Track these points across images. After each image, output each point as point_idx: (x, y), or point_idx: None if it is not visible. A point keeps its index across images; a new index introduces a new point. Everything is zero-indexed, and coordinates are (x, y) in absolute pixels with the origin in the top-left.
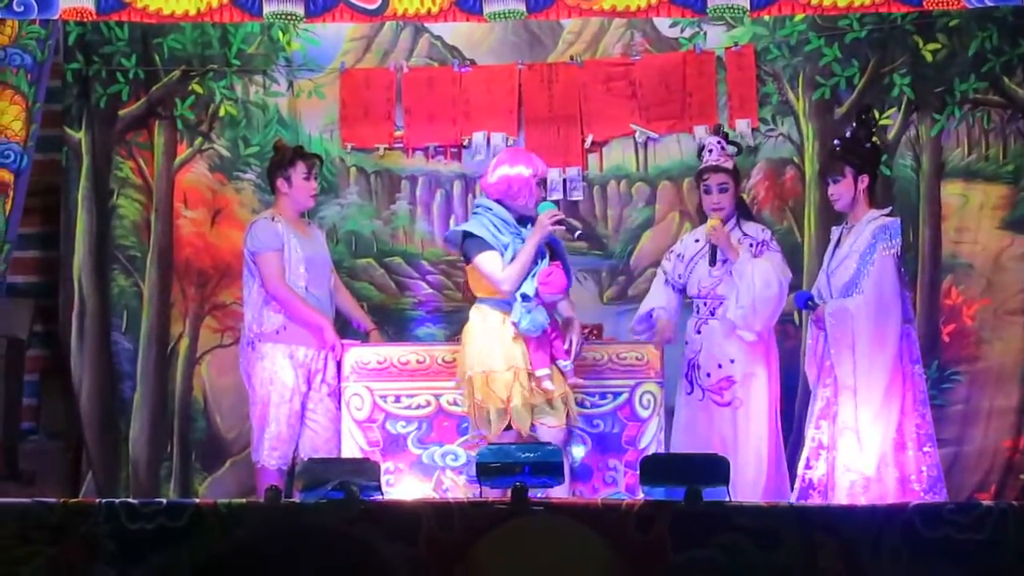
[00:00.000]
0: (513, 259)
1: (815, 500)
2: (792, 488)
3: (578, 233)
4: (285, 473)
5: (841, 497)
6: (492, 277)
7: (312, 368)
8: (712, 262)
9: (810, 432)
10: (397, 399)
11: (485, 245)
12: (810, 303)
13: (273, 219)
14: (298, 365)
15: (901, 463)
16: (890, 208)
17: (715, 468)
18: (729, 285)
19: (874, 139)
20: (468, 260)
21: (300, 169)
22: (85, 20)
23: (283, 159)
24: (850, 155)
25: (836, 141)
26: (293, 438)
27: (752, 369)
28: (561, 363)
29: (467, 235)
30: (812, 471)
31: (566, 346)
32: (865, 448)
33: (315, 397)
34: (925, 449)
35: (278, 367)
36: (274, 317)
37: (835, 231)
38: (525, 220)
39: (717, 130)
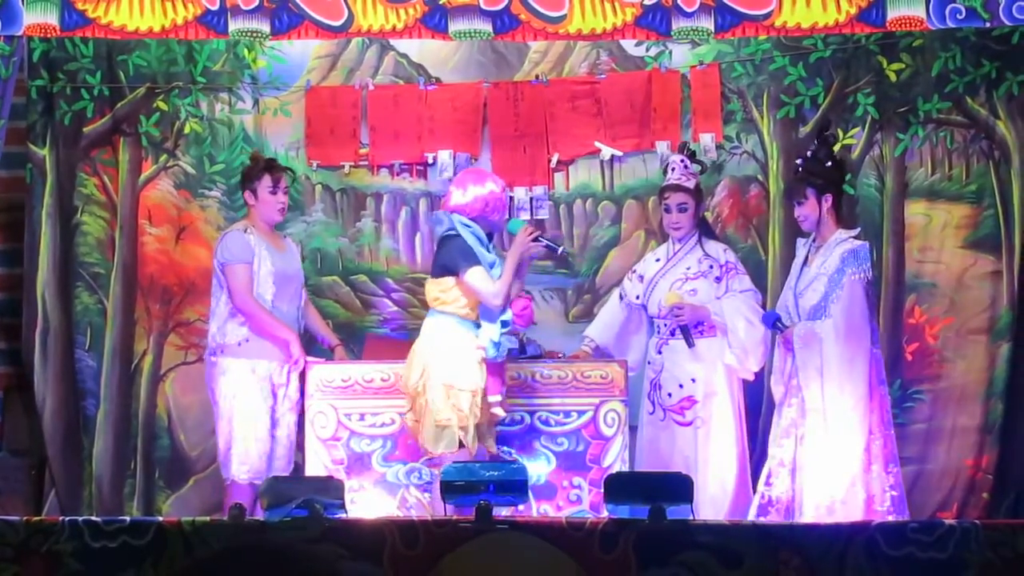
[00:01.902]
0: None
1: (774, 517)
2: (738, 506)
3: (561, 250)
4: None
5: (808, 517)
6: (483, 291)
7: (275, 382)
8: (690, 344)
9: (772, 450)
10: (361, 417)
11: (474, 259)
12: (778, 324)
13: (246, 231)
14: (261, 379)
15: (867, 483)
16: (858, 230)
17: (679, 486)
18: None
19: (836, 157)
20: (455, 273)
21: (266, 182)
22: (50, 36)
23: (252, 171)
24: (811, 176)
25: (799, 161)
26: (264, 453)
27: (714, 388)
28: (493, 398)
29: (460, 247)
30: (772, 488)
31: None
32: (833, 470)
33: (279, 412)
34: (889, 469)
35: (241, 382)
36: (238, 330)
37: (801, 244)
38: (491, 237)
39: (683, 148)
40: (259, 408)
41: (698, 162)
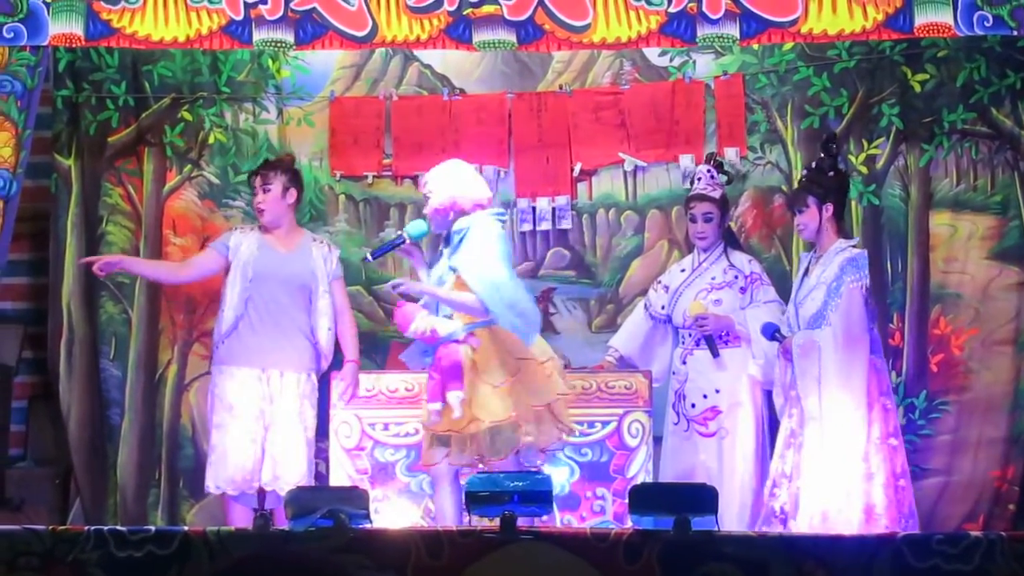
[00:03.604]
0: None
1: (778, 529)
2: (760, 517)
3: (399, 236)
4: (251, 500)
5: (802, 526)
6: None
7: (265, 392)
8: (715, 354)
9: (775, 462)
10: (385, 427)
11: None
12: (777, 334)
13: (249, 230)
14: (243, 386)
15: (867, 493)
16: (858, 239)
17: (703, 498)
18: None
19: (839, 167)
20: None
21: (255, 180)
22: (75, 46)
23: (268, 165)
24: (813, 184)
25: (804, 171)
26: (243, 464)
27: (738, 399)
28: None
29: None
30: (776, 500)
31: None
32: (830, 479)
33: (276, 421)
34: (898, 482)
35: (219, 389)
36: (221, 335)
37: (803, 258)
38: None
39: (710, 158)
40: (238, 417)
41: (725, 173)
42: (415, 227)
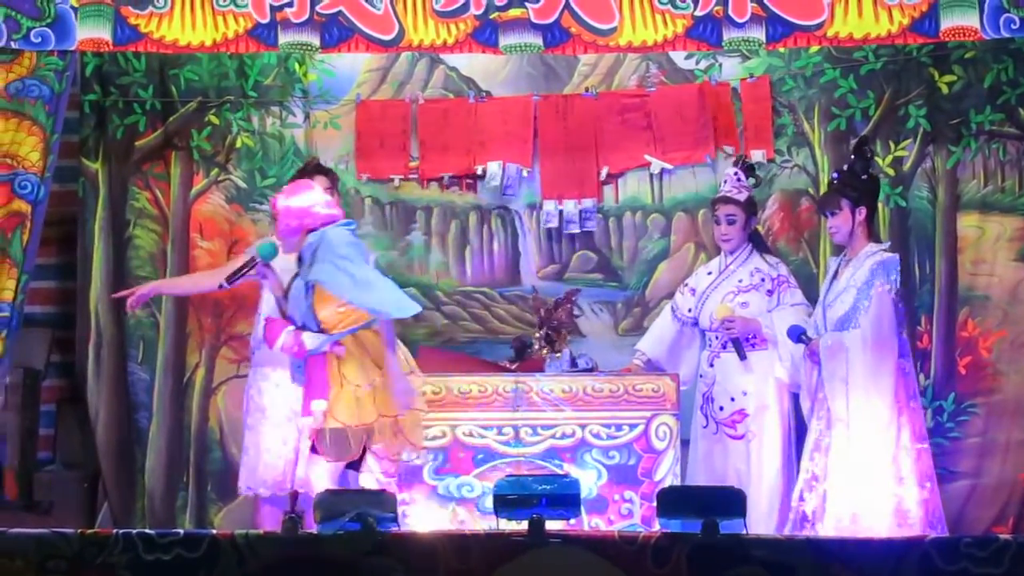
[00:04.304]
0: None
1: (808, 533)
2: (787, 521)
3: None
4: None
5: (829, 529)
6: None
7: (299, 394)
8: (742, 356)
9: (804, 464)
10: None
11: None
12: (803, 337)
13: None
14: (276, 388)
15: (896, 497)
16: (888, 243)
17: (731, 501)
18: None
19: (871, 171)
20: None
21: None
22: (102, 51)
23: (299, 174)
24: (846, 187)
25: (834, 174)
26: (275, 465)
27: (765, 402)
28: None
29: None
30: (805, 504)
31: None
32: (857, 481)
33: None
34: (924, 484)
35: (254, 390)
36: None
37: (832, 263)
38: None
39: (739, 160)
40: (265, 419)
41: (753, 176)
42: (264, 247)
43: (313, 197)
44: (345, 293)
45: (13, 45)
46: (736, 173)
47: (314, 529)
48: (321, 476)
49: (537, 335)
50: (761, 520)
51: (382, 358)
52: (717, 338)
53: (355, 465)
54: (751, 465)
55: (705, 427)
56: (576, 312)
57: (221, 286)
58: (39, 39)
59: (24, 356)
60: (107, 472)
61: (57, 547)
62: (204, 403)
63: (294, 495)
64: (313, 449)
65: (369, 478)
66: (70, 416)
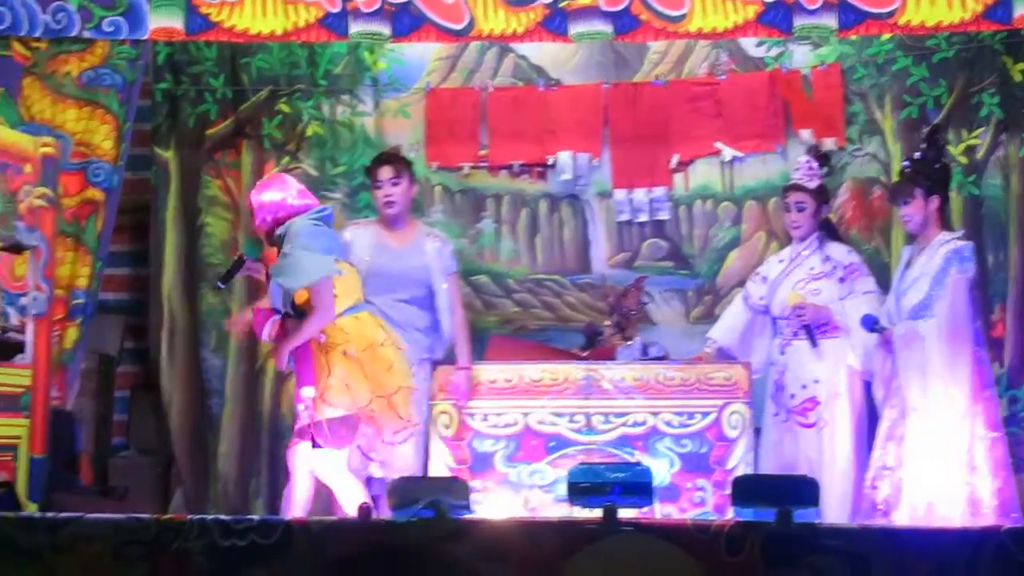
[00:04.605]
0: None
1: (880, 521)
2: (860, 509)
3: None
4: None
5: (903, 518)
6: None
7: None
8: (813, 343)
9: (876, 453)
10: (485, 417)
11: None
12: (876, 326)
13: (364, 224)
14: None
15: (971, 486)
16: (962, 232)
17: (806, 489)
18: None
19: (943, 159)
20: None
21: (375, 177)
22: (174, 40)
23: (378, 162)
24: (919, 176)
25: (905, 162)
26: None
27: (836, 390)
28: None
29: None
30: (877, 492)
31: None
32: (932, 471)
33: None
34: (998, 473)
35: None
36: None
37: (905, 252)
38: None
39: (813, 149)
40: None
41: (827, 164)
42: (248, 244)
43: (285, 190)
44: (293, 283)
45: (86, 34)
46: (808, 161)
47: (388, 516)
48: (328, 467)
49: (607, 323)
50: (832, 508)
51: (376, 339)
52: (788, 326)
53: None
54: (822, 453)
55: (776, 415)
56: (644, 300)
57: (217, 287)
58: (112, 28)
59: (98, 343)
60: (180, 458)
61: (134, 532)
62: (276, 389)
63: (369, 480)
64: (313, 444)
65: (439, 465)
66: (144, 402)
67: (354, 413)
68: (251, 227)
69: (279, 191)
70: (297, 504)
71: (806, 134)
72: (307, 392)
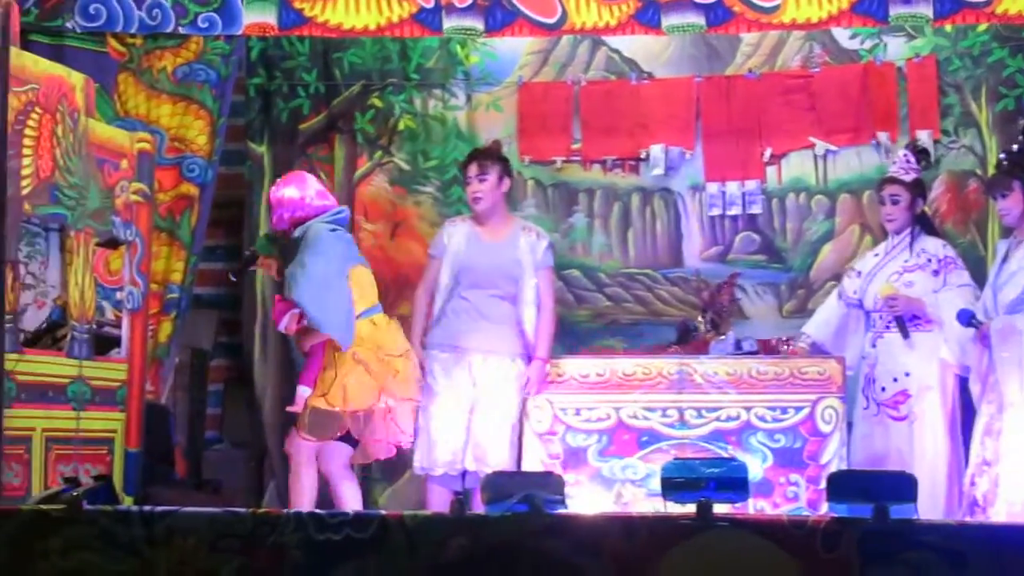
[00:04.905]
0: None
1: (980, 518)
2: (957, 505)
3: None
4: (452, 481)
5: (1000, 514)
6: None
7: (468, 376)
8: (905, 335)
9: (974, 449)
10: (577, 412)
11: None
12: (973, 321)
13: (460, 221)
14: (446, 370)
15: None
16: None
17: (903, 485)
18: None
19: None
20: None
21: (465, 171)
22: (267, 35)
23: (475, 156)
24: (1017, 169)
25: (1002, 155)
26: (447, 445)
27: (928, 383)
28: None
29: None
30: (976, 488)
31: None
32: None
33: (479, 405)
34: None
35: (427, 373)
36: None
37: (1002, 245)
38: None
39: (912, 144)
40: (440, 400)
41: (926, 160)
42: (260, 241)
43: (305, 189)
44: (299, 294)
45: (181, 30)
46: (906, 155)
47: (482, 510)
48: (301, 451)
49: (700, 319)
50: (922, 502)
51: (395, 343)
52: (881, 318)
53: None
54: (913, 446)
55: (866, 408)
56: (738, 296)
57: (231, 280)
58: (206, 24)
59: (192, 337)
60: (274, 451)
61: (230, 526)
62: None
63: (464, 474)
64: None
65: (532, 459)
66: (237, 396)
67: (343, 413)
68: (272, 222)
69: (298, 189)
70: (303, 495)
71: (883, 136)
72: (303, 391)
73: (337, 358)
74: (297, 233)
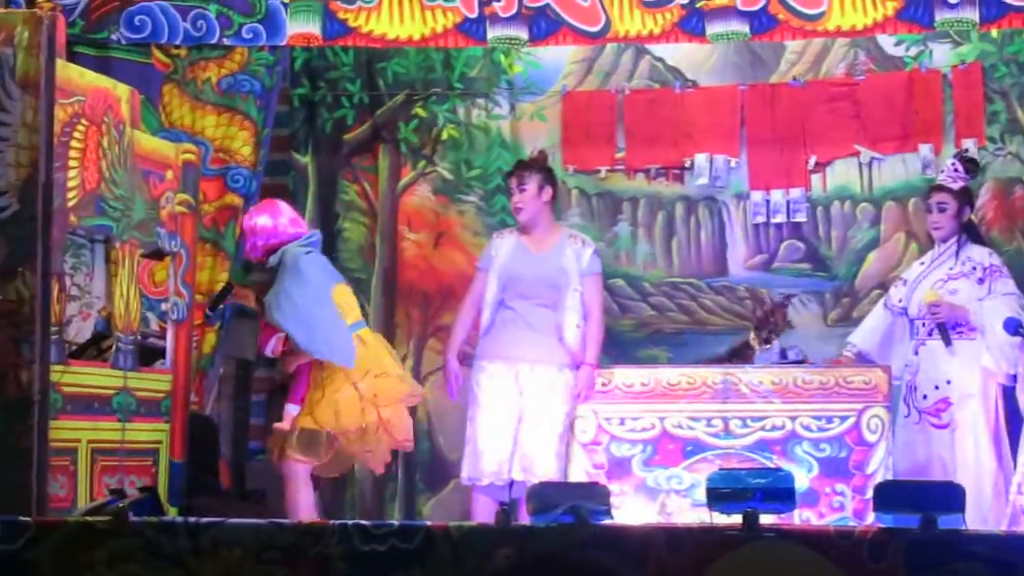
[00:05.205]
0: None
1: None
2: (997, 513)
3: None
4: (498, 491)
5: None
6: None
7: (516, 386)
8: (947, 342)
9: (1021, 458)
10: (621, 422)
11: None
12: (1020, 329)
13: (507, 232)
14: (494, 380)
15: None
16: None
17: (950, 496)
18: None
19: None
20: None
21: (510, 181)
22: (312, 46)
23: (521, 166)
24: None
25: None
26: (493, 455)
27: (969, 391)
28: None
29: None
30: (1023, 497)
31: None
32: None
33: (527, 415)
34: None
35: (473, 382)
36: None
37: None
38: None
39: (960, 153)
40: (489, 410)
41: (974, 171)
42: (234, 271)
43: (277, 217)
44: (283, 319)
45: (225, 41)
46: (954, 164)
47: (527, 521)
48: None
49: (753, 336)
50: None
51: (384, 356)
52: (924, 325)
53: None
54: (955, 454)
55: (907, 416)
56: (789, 314)
57: (207, 316)
58: (250, 35)
59: (235, 347)
60: None
61: (274, 537)
62: None
63: (511, 484)
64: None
65: (577, 470)
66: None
67: (334, 432)
68: (246, 251)
69: (271, 218)
70: (304, 513)
71: (926, 148)
72: (291, 409)
73: (325, 377)
74: (272, 260)
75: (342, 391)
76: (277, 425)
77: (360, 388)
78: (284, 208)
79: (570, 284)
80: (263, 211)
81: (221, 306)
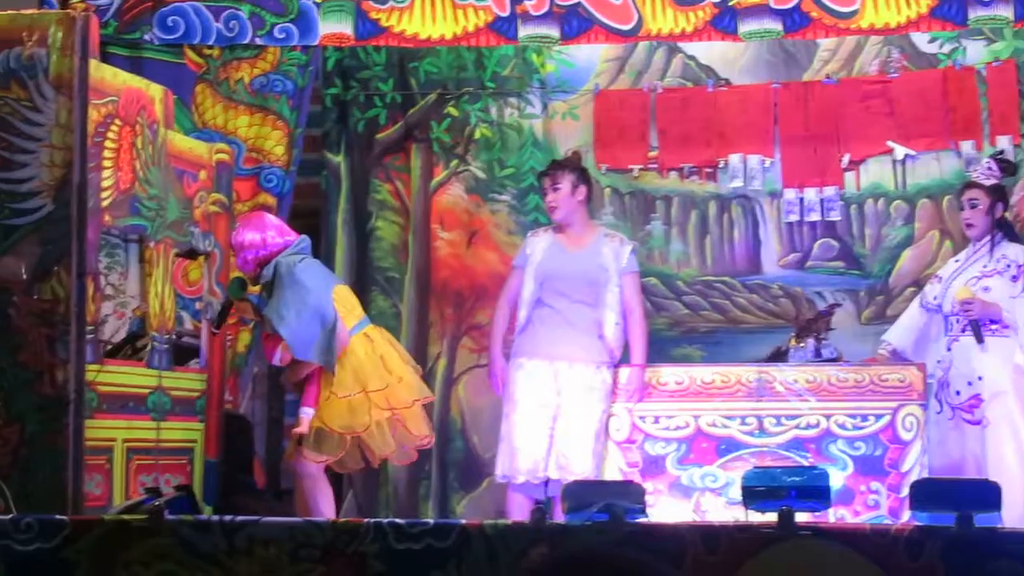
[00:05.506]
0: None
1: None
2: None
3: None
4: (534, 489)
5: None
6: None
7: (553, 383)
8: (979, 339)
9: None
10: (656, 420)
11: None
12: None
13: (543, 231)
14: (530, 378)
15: None
16: None
17: (987, 494)
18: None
19: None
20: None
21: (544, 181)
22: (344, 46)
23: (555, 166)
24: None
25: None
26: (530, 453)
27: (1001, 387)
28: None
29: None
30: None
31: None
32: None
33: (563, 412)
34: None
35: (511, 380)
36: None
37: None
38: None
39: (996, 154)
40: (523, 408)
41: (1009, 171)
42: (232, 286)
43: (264, 230)
44: (285, 328)
45: (258, 41)
46: (989, 163)
47: (562, 519)
48: (313, 472)
49: (793, 341)
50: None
51: (393, 352)
52: (956, 322)
53: None
54: (987, 451)
55: (939, 413)
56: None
57: (212, 332)
58: (283, 35)
59: None
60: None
61: (310, 536)
62: (446, 392)
63: (547, 482)
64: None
65: (611, 468)
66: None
67: (347, 434)
68: (235, 265)
69: (258, 231)
70: (324, 512)
71: (966, 145)
72: (306, 412)
73: (336, 379)
74: (266, 273)
75: (353, 391)
76: (296, 430)
77: (371, 397)
78: (270, 220)
79: (610, 281)
80: (249, 226)
81: (224, 322)
